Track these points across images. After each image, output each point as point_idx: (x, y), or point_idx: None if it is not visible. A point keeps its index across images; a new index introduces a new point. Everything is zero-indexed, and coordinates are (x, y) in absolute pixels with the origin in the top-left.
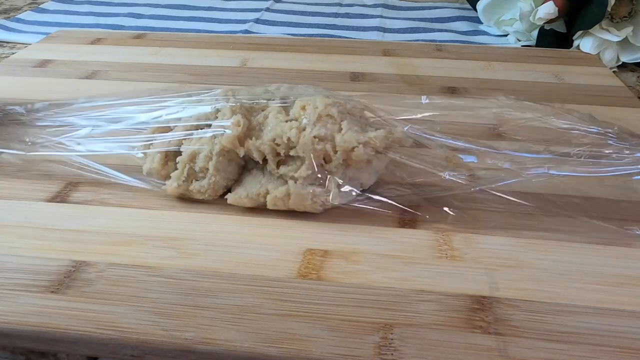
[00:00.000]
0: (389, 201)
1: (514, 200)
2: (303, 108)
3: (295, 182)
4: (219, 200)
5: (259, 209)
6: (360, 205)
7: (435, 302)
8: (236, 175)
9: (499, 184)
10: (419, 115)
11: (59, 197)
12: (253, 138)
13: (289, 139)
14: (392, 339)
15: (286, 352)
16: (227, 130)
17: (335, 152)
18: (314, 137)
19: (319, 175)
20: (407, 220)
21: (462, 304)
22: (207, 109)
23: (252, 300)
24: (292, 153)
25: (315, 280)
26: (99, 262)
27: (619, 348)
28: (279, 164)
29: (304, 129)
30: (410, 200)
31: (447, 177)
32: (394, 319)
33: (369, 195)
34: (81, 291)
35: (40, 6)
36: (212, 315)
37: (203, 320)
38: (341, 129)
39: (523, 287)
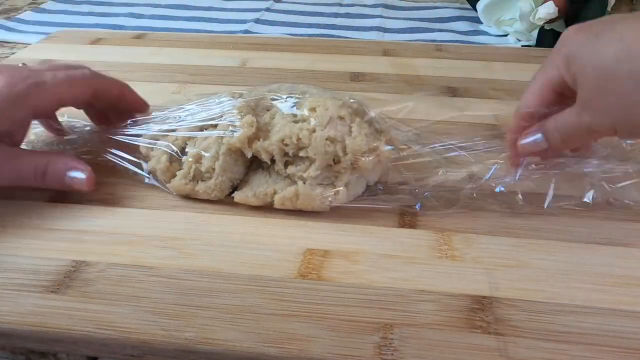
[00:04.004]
0: (389, 201)
1: (513, 200)
2: (313, 109)
3: (304, 183)
4: (219, 200)
5: (259, 209)
6: (361, 205)
7: (435, 302)
8: (242, 175)
9: (499, 184)
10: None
11: (59, 197)
12: (260, 139)
13: (298, 139)
14: (392, 339)
15: (286, 352)
16: (235, 131)
17: (345, 154)
18: (326, 139)
19: (328, 175)
20: (407, 220)
21: (462, 304)
22: (213, 109)
23: (252, 300)
24: (301, 154)
25: (315, 280)
26: (99, 262)
27: (619, 348)
28: (286, 164)
29: (314, 131)
30: (410, 200)
31: (447, 177)
32: (394, 319)
33: (370, 195)
34: (81, 291)
35: (40, 6)
36: (212, 315)
37: (203, 320)
38: (351, 131)
39: (523, 287)
